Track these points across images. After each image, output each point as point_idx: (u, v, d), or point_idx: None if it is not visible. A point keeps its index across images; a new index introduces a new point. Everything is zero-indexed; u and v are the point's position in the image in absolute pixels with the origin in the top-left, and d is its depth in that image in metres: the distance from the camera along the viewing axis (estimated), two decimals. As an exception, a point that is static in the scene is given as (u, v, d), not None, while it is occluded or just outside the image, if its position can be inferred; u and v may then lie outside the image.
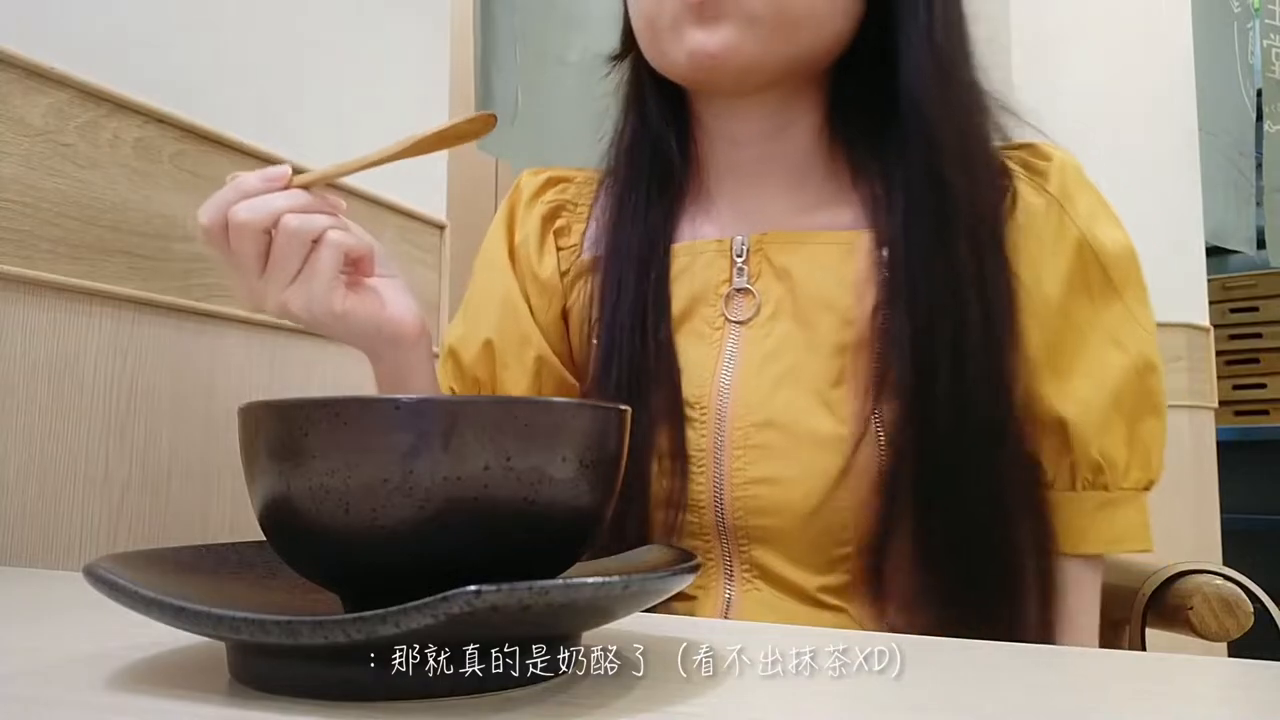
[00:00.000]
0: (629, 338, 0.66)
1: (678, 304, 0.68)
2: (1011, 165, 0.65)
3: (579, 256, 0.73)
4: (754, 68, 0.63)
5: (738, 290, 0.67)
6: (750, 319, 0.66)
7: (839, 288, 0.64)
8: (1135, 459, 0.61)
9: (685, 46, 0.62)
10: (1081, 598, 0.63)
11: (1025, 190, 0.64)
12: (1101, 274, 0.63)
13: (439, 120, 1.23)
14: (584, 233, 0.74)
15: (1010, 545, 0.59)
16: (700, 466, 0.63)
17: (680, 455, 0.63)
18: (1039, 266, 0.62)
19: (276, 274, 0.61)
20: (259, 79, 0.95)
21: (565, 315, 0.74)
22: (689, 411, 0.64)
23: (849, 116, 0.67)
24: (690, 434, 0.64)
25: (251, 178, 0.61)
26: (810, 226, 0.67)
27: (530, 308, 0.74)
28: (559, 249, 0.75)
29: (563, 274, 0.74)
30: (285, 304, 0.62)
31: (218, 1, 0.90)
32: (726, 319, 0.66)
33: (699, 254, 0.68)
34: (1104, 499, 0.61)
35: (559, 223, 0.75)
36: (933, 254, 0.61)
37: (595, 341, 0.69)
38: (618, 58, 0.74)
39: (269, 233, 0.61)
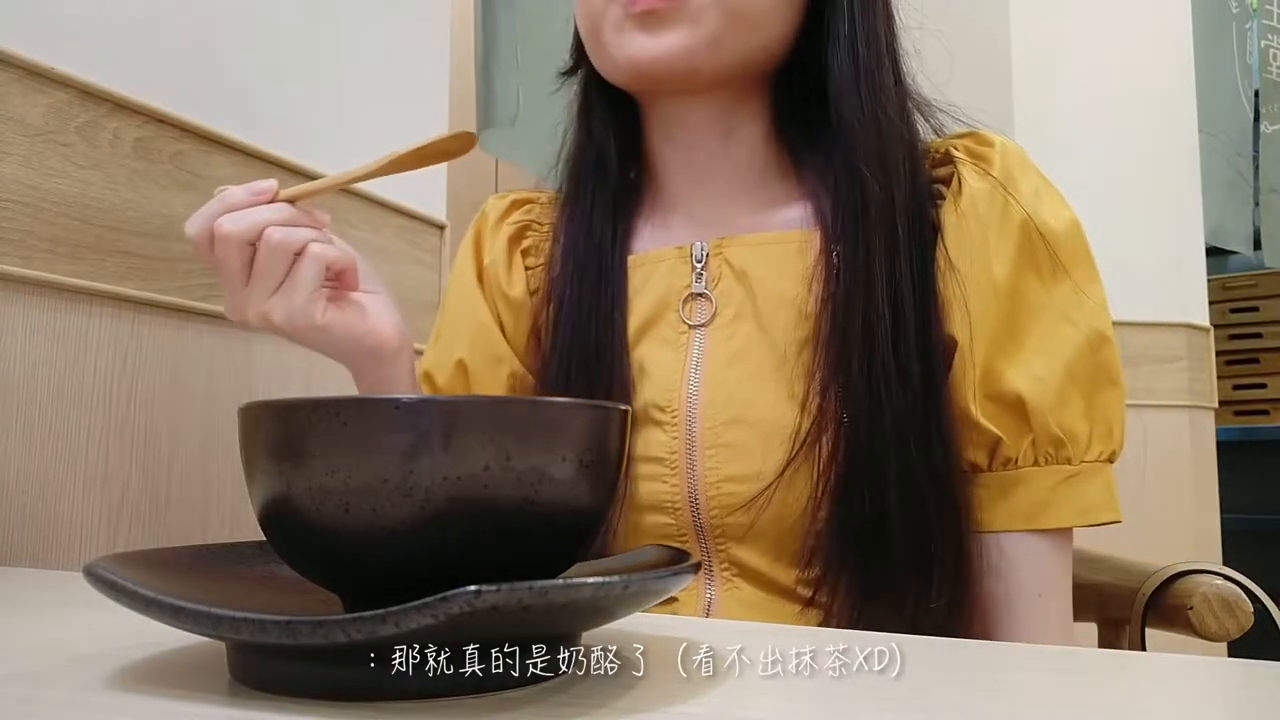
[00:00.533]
0: (580, 345, 0.68)
1: (643, 312, 0.69)
2: (956, 153, 0.66)
3: (546, 274, 0.74)
4: (697, 71, 0.65)
5: (696, 295, 0.68)
6: (708, 323, 0.67)
7: (795, 284, 0.65)
8: (1096, 431, 0.62)
9: (627, 52, 0.64)
10: (1046, 576, 0.62)
11: (969, 175, 0.65)
12: (1049, 253, 0.63)
13: (439, 121, 1.23)
14: (550, 251, 0.75)
15: (925, 532, 0.60)
16: (673, 469, 0.64)
17: (632, 459, 0.65)
18: (986, 249, 0.63)
19: (259, 285, 0.63)
20: (259, 80, 0.95)
21: (536, 332, 0.74)
22: (659, 415, 0.65)
23: (793, 120, 0.69)
24: (663, 437, 0.65)
25: (238, 191, 0.63)
26: (765, 227, 0.69)
27: (502, 327, 0.75)
28: (527, 268, 0.76)
29: (532, 292, 0.75)
30: (267, 315, 0.63)
31: (218, 2, 0.90)
32: (687, 324, 0.67)
33: (660, 262, 0.70)
34: (1068, 472, 0.61)
35: (526, 242, 0.77)
36: (852, 250, 0.63)
37: (548, 349, 0.70)
38: (568, 72, 0.75)
39: (253, 245, 0.62)
